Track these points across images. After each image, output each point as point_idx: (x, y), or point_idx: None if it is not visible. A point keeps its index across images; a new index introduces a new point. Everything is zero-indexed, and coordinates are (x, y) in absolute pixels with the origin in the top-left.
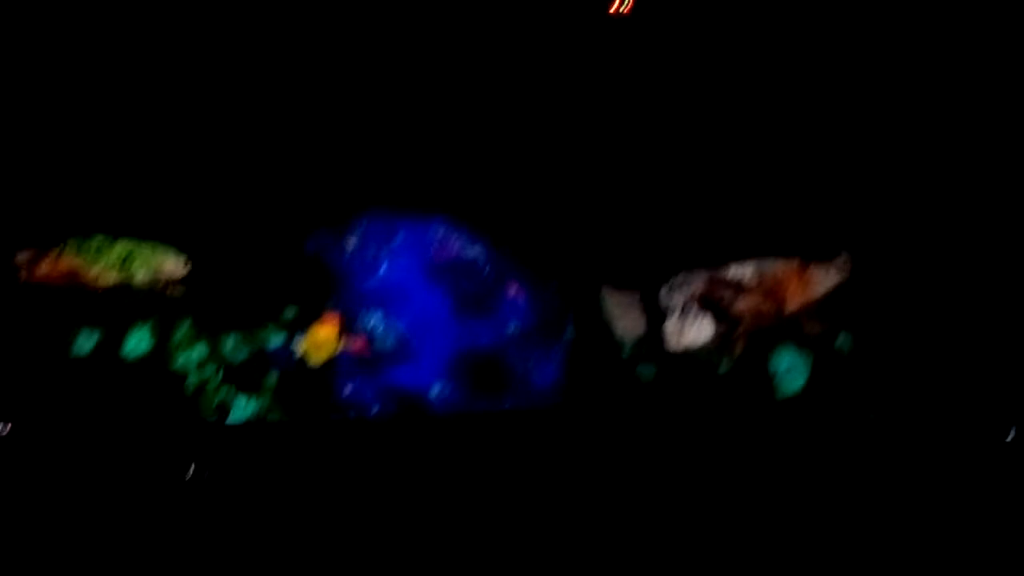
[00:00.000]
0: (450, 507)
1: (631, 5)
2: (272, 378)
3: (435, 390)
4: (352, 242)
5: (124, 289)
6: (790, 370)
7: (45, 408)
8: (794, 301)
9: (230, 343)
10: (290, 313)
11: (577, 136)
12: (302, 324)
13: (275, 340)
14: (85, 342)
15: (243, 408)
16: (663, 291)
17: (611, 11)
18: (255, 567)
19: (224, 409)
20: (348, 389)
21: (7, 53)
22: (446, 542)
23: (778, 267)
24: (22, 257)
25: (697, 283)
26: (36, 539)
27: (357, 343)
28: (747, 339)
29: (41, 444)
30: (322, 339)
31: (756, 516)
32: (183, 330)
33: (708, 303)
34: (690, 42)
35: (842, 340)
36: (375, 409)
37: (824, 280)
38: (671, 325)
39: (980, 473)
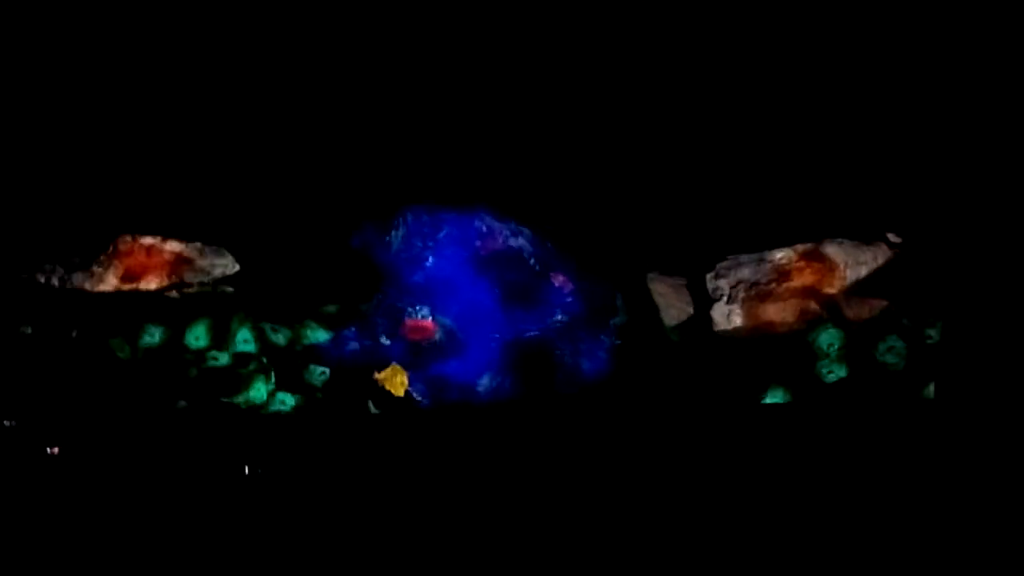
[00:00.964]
0: (503, 495)
1: None
2: (322, 372)
3: (484, 381)
4: (397, 237)
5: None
6: (837, 352)
7: (107, 399)
8: (840, 283)
9: (279, 338)
10: (337, 309)
11: (620, 126)
12: (349, 319)
13: (323, 335)
14: (147, 338)
15: (294, 400)
16: (709, 277)
17: None
18: (301, 554)
19: (276, 401)
20: None
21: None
22: (498, 529)
23: (822, 249)
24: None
25: (743, 268)
26: (92, 514)
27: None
28: (795, 322)
29: (98, 430)
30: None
31: (807, 499)
32: (234, 326)
33: (755, 287)
34: (726, 34)
35: (892, 322)
36: (426, 402)
37: (870, 261)
38: (718, 310)
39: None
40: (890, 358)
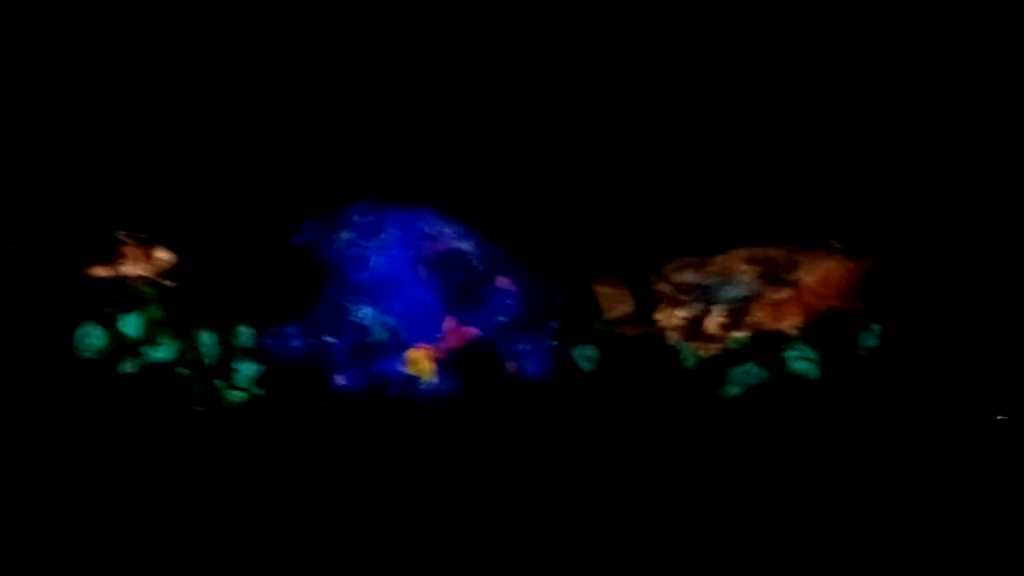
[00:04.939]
0: (441, 496)
1: None
2: (263, 369)
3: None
4: (342, 235)
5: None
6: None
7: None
8: (786, 288)
9: (218, 336)
10: (277, 305)
11: (568, 128)
12: (288, 315)
13: (265, 333)
14: (86, 336)
15: (231, 398)
16: (654, 280)
17: None
18: (246, 558)
19: (212, 399)
20: (339, 380)
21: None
22: (437, 533)
23: (772, 254)
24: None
25: (687, 271)
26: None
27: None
28: (739, 328)
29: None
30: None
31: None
32: (171, 322)
33: (700, 292)
34: (688, 33)
35: (839, 332)
36: (366, 399)
37: (819, 268)
38: (661, 314)
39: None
40: (801, 366)
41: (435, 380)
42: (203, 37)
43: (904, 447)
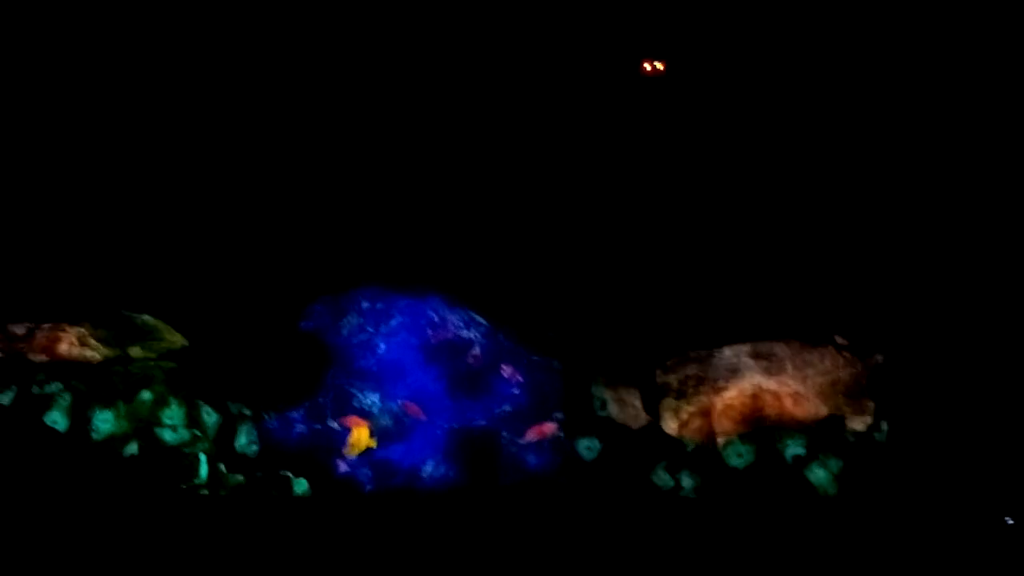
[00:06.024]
0: None
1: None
2: (267, 452)
3: (428, 468)
4: (350, 322)
5: (120, 363)
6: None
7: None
8: (791, 383)
9: (222, 419)
10: (283, 390)
11: (576, 223)
12: (293, 400)
13: (270, 417)
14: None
15: (232, 481)
16: (658, 372)
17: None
18: None
19: (214, 482)
20: (343, 466)
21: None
22: None
23: (776, 349)
24: (18, 330)
25: (692, 365)
26: None
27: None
28: (741, 421)
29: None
30: (357, 439)
31: None
32: (175, 404)
33: (703, 384)
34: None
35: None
36: (369, 486)
37: (823, 364)
38: (665, 406)
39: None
40: (817, 477)
41: (369, 452)
42: (216, 121)
43: (907, 547)
